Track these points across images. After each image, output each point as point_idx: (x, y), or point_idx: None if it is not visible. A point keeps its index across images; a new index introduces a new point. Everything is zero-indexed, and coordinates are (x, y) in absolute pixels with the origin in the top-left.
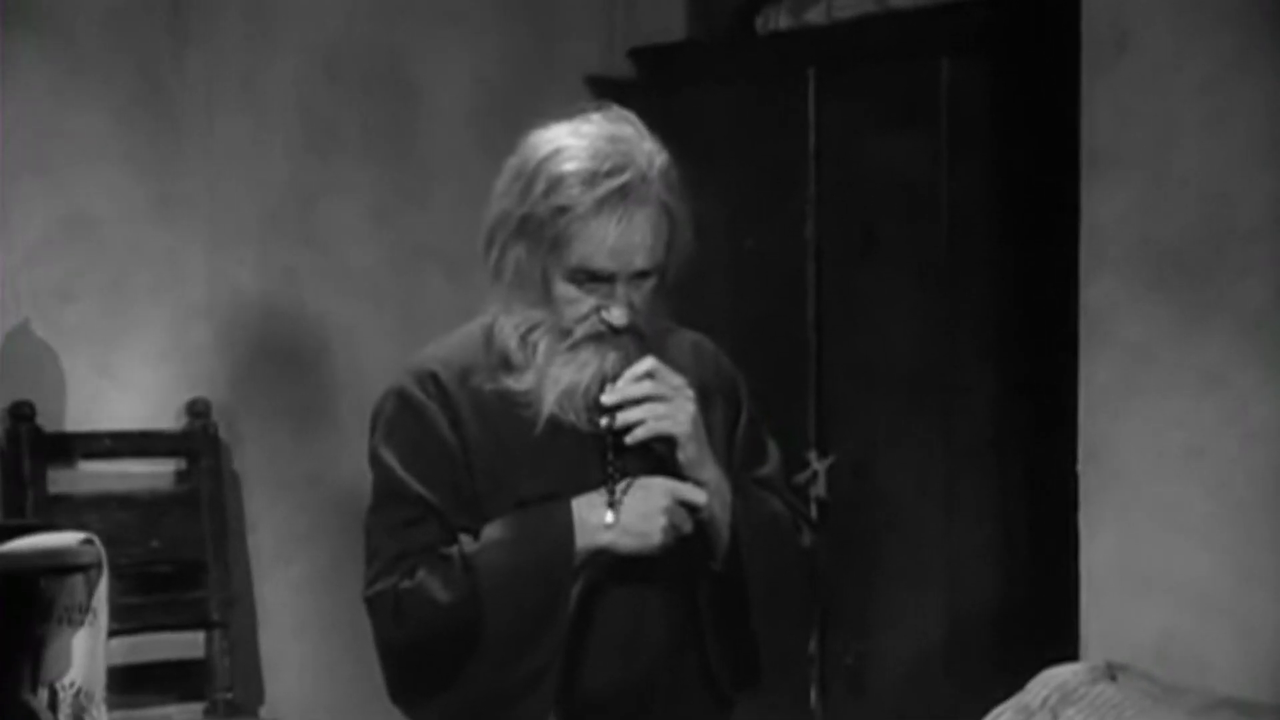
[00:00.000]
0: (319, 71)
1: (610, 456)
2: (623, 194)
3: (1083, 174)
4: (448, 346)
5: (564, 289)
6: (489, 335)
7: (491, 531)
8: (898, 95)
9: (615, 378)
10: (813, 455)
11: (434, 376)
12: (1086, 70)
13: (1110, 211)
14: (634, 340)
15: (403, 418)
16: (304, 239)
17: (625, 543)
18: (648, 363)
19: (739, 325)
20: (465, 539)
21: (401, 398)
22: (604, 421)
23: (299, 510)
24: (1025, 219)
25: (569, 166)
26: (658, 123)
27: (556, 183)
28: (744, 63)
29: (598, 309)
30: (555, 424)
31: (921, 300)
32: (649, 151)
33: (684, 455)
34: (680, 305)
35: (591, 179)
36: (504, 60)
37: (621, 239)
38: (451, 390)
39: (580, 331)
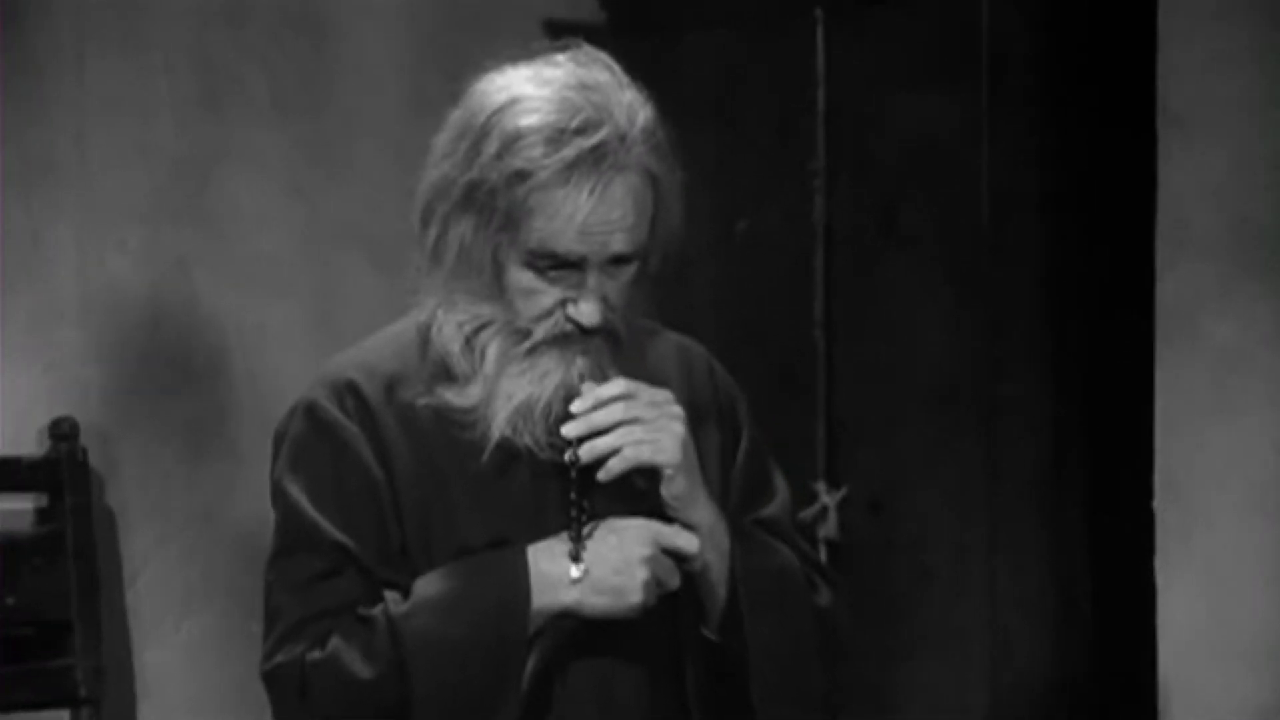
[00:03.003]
0: (216, 9)
1: (574, 495)
2: (597, 157)
3: (1159, 137)
4: (371, 350)
5: (520, 277)
6: (424, 337)
7: (425, 588)
8: (928, 40)
9: (581, 388)
10: (821, 487)
11: (353, 388)
12: (1165, 4)
13: (1194, 183)
14: (607, 343)
15: (313, 441)
16: (197, 218)
17: (595, 602)
18: (617, 386)
19: (729, 326)
20: (392, 597)
21: (312, 415)
22: (568, 456)
23: (190, 556)
24: (1086, 194)
25: (528, 121)
26: (631, 77)
27: (512, 141)
28: (738, 3)
29: (563, 303)
30: (507, 449)
31: (956, 296)
32: (630, 104)
33: (670, 491)
34: (659, 301)
35: (557, 137)
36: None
37: (595, 214)
38: (375, 405)
39: (540, 332)
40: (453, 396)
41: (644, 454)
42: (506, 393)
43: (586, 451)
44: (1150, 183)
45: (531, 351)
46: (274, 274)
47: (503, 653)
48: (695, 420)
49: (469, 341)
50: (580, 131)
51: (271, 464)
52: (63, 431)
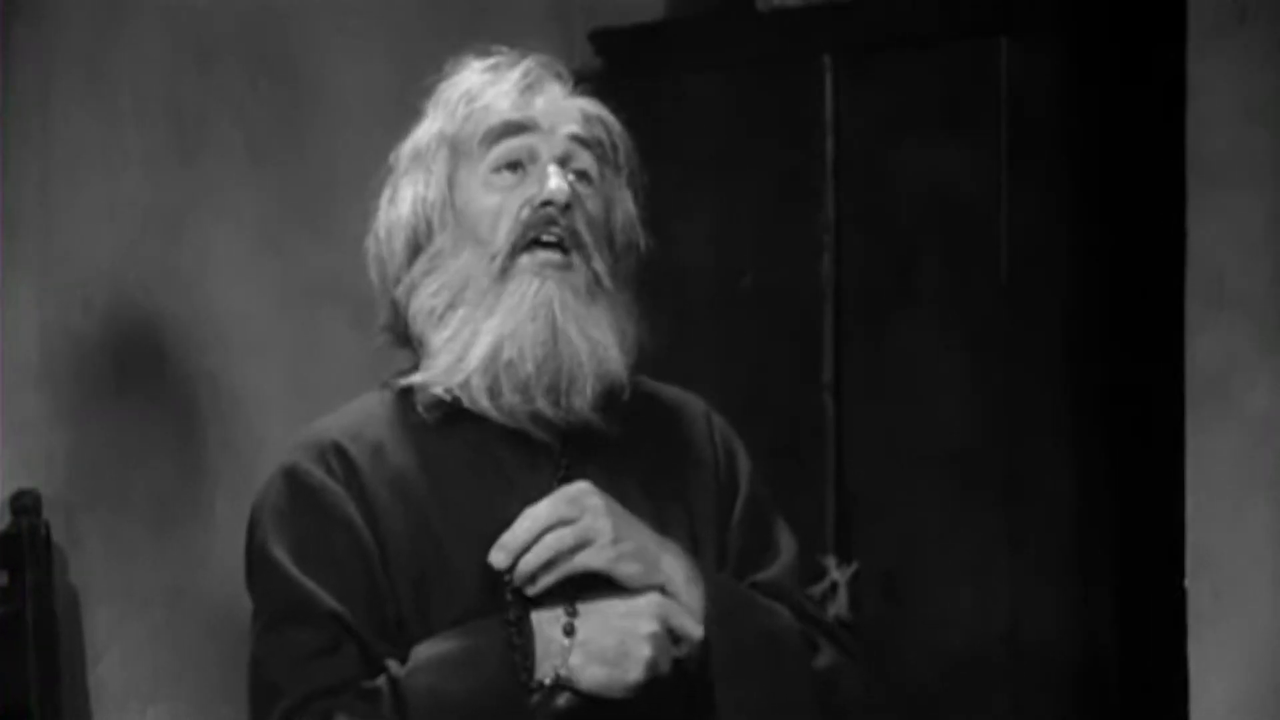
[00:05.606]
0: (188, 55)
1: (510, 599)
2: (534, 69)
3: (1189, 190)
4: (354, 415)
5: (479, 202)
6: (401, 391)
7: (427, 649)
8: (942, 88)
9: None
10: (830, 563)
11: (338, 448)
12: (1194, 49)
13: (1226, 239)
14: (584, 262)
15: (297, 505)
16: (166, 275)
17: (592, 672)
18: (544, 510)
19: (731, 390)
20: (393, 663)
21: (294, 479)
22: (508, 578)
23: (158, 634)
24: (1112, 251)
25: (465, 71)
26: (628, 126)
27: (450, 88)
28: (741, 48)
29: (527, 204)
30: (505, 512)
31: (974, 358)
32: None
33: (624, 582)
34: (652, 363)
35: (494, 73)
36: (427, 44)
37: (537, 84)
38: (362, 467)
39: (511, 238)
40: (421, 374)
41: (580, 562)
42: (484, 331)
43: (519, 579)
44: (1180, 238)
45: (503, 274)
46: (249, 334)
47: (505, 714)
48: (690, 477)
49: (432, 310)
50: (513, 65)
51: (249, 537)
52: (24, 505)
